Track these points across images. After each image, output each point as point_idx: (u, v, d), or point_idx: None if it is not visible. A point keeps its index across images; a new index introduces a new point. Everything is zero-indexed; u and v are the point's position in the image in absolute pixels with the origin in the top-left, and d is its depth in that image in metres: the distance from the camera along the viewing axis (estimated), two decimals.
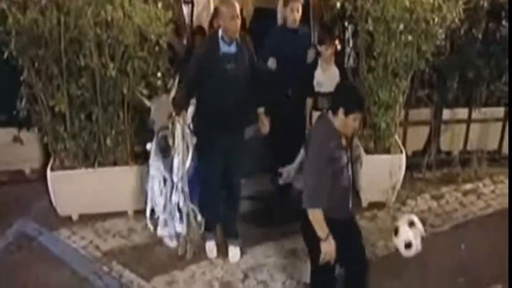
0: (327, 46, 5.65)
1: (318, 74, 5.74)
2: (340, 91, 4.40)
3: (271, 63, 5.65)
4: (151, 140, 5.04)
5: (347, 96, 4.27)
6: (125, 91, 5.56)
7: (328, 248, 4.22)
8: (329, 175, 4.13)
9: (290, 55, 5.67)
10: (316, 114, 5.45)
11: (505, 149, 6.81)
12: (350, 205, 4.57)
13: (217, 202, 5.38)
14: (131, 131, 5.83)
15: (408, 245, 4.56)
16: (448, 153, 6.85)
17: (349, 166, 4.41)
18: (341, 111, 4.21)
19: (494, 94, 6.69)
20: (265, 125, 5.26)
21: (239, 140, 5.27)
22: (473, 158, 6.72)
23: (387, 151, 6.02)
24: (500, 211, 6.12)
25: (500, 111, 6.73)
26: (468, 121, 6.71)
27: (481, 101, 6.64)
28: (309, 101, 5.83)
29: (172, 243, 5.35)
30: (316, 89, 5.77)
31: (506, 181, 6.54)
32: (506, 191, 6.40)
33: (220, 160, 5.17)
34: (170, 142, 4.83)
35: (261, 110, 5.28)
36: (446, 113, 6.65)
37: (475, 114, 6.67)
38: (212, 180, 5.25)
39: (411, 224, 4.60)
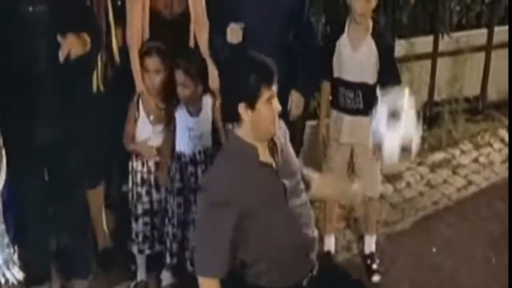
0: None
1: (344, 48, 4.45)
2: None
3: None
4: None
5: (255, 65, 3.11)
6: None
7: None
8: (231, 230, 3.07)
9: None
10: (337, 115, 4.47)
11: (491, 94, 6.08)
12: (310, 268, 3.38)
13: (45, 230, 4.46)
14: None
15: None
16: None
17: (293, 197, 3.19)
18: (264, 95, 3.07)
19: (470, 10, 5.97)
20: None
21: (67, 131, 4.28)
22: (444, 112, 5.97)
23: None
24: (487, 190, 5.31)
25: (481, 35, 5.98)
26: (434, 55, 5.93)
27: (452, 23, 5.91)
28: (324, 90, 4.57)
29: None
30: (336, 74, 4.50)
31: (495, 143, 5.79)
32: (495, 158, 5.60)
33: (40, 165, 4.30)
34: None
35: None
36: (401, 46, 5.73)
37: (443, 44, 5.91)
38: (30, 201, 4.33)
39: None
